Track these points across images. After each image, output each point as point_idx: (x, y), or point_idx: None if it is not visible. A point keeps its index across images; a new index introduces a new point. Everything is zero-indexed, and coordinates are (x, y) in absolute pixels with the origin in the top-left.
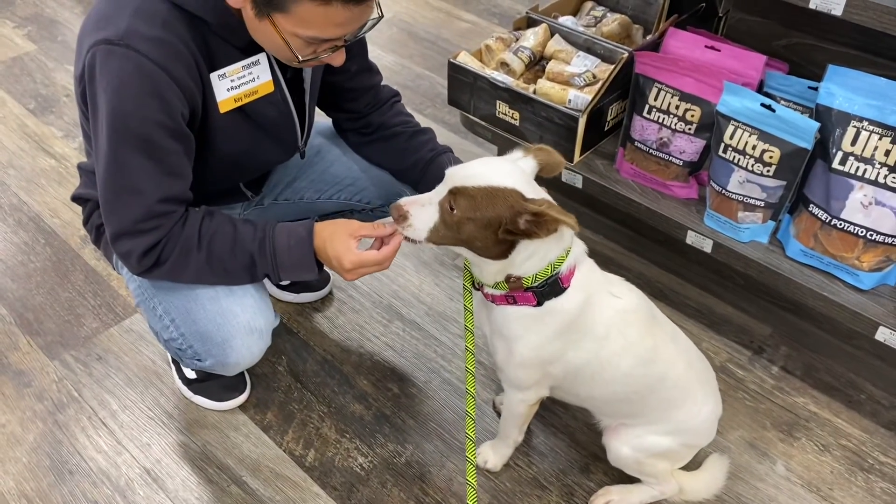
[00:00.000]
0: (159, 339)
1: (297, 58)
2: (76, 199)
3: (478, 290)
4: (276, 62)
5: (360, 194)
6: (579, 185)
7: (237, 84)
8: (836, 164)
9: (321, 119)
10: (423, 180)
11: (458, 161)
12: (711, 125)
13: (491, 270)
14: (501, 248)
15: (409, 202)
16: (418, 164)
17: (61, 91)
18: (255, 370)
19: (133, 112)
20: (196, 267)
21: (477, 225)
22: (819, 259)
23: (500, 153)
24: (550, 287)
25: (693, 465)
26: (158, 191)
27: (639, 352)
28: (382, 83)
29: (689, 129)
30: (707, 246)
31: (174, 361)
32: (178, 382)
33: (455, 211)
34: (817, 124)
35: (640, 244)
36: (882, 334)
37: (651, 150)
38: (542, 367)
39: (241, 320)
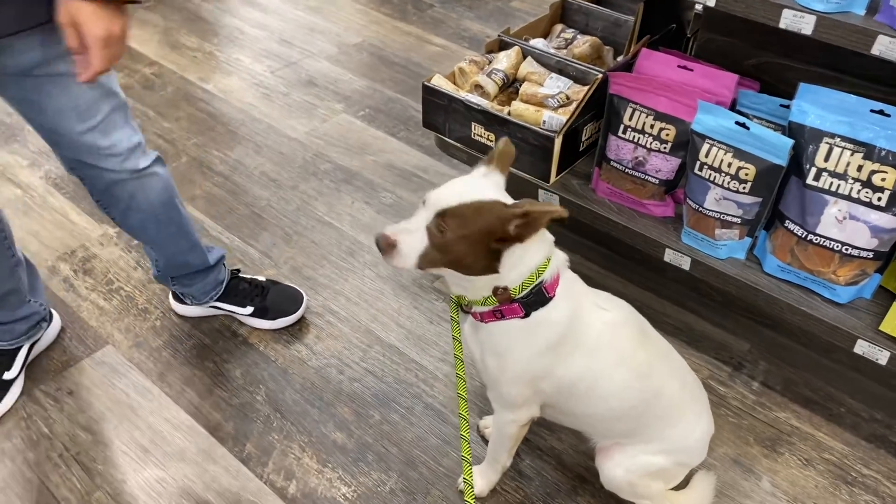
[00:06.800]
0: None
1: None
2: None
3: (467, 312)
4: None
5: None
6: (556, 203)
7: None
8: (810, 180)
9: None
10: None
11: None
12: (686, 144)
13: (479, 286)
14: (489, 260)
15: (396, 231)
16: None
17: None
18: (233, 401)
19: None
20: None
21: (469, 242)
22: (796, 274)
23: None
24: (536, 296)
25: (680, 483)
26: None
27: (633, 365)
28: None
29: (665, 147)
30: (685, 263)
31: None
32: (259, 324)
33: (446, 232)
34: (791, 141)
35: (617, 263)
36: (860, 347)
37: (627, 170)
38: (534, 382)
39: None
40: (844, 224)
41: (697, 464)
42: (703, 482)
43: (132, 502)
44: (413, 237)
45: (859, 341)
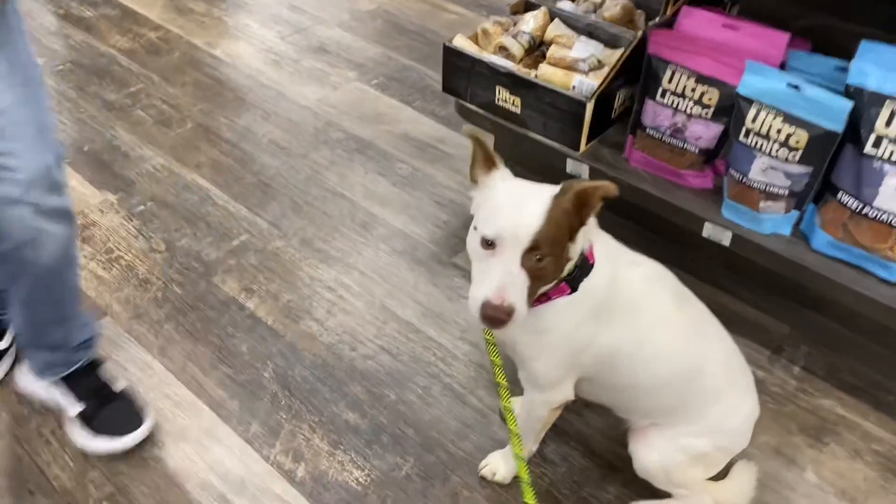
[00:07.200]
0: None
1: None
2: None
3: None
4: None
5: None
6: (586, 175)
7: None
8: (868, 149)
9: None
10: None
11: None
12: (730, 108)
13: None
14: (567, 256)
15: (501, 289)
16: None
17: None
18: (239, 378)
19: None
20: None
21: (560, 252)
22: (848, 251)
23: (499, 143)
24: (580, 269)
25: (719, 474)
26: None
27: (675, 323)
28: None
29: (706, 113)
30: (725, 239)
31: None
32: (78, 435)
33: (544, 258)
34: (850, 103)
35: (647, 240)
36: None
37: (664, 137)
38: (574, 355)
39: None
40: None
41: (740, 450)
42: (743, 473)
43: (129, 483)
44: (517, 287)
45: None
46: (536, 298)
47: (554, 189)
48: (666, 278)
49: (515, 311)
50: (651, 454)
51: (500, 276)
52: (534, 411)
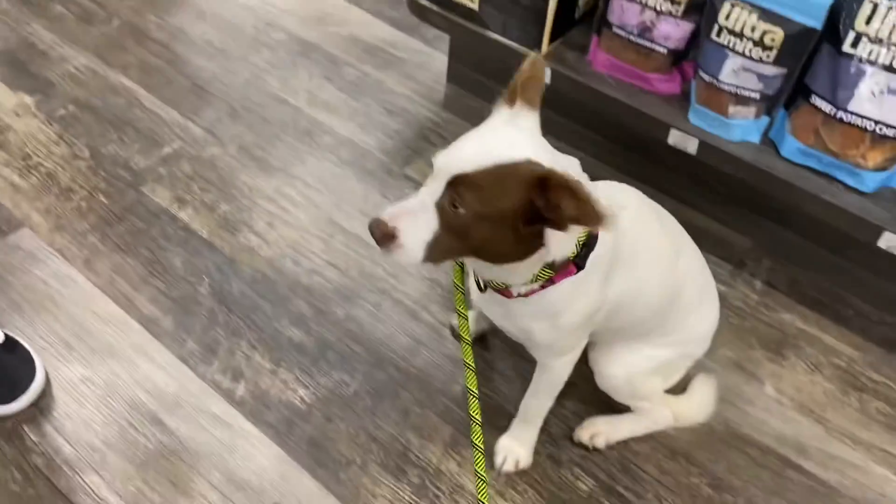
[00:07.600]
0: None
1: None
2: None
3: (483, 291)
4: None
5: None
6: (547, 80)
7: None
8: (846, 48)
9: None
10: None
11: None
12: (701, 6)
13: (522, 270)
14: (527, 245)
15: (396, 214)
16: None
17: None
18: (171, 293)
19: None
20: None
21: (492, 223)
22: (818, 158)
23: (456, 47)
24: (587, 247)
25: (678, 389)
26: None
27: (664, 252)
28: None
29: (676, 10)
30: (692, 146)
31: None
32: None
33: (460, 209)
34: None
35: (607, 150)
36: (886, 241)
37: (631, 37)
38: (591, 320)
39: None
40: (881, 99)
41: (700, 355)
42: (703, 387)
43: (52, 403)
44: (418, 221)
45: (885, 234)
46: (539, 288)
47: (545, 153)
48: (649, 210)
49: (397, 239)
50: (614, 366)
51: (408, 203)
52: (560, 374)
